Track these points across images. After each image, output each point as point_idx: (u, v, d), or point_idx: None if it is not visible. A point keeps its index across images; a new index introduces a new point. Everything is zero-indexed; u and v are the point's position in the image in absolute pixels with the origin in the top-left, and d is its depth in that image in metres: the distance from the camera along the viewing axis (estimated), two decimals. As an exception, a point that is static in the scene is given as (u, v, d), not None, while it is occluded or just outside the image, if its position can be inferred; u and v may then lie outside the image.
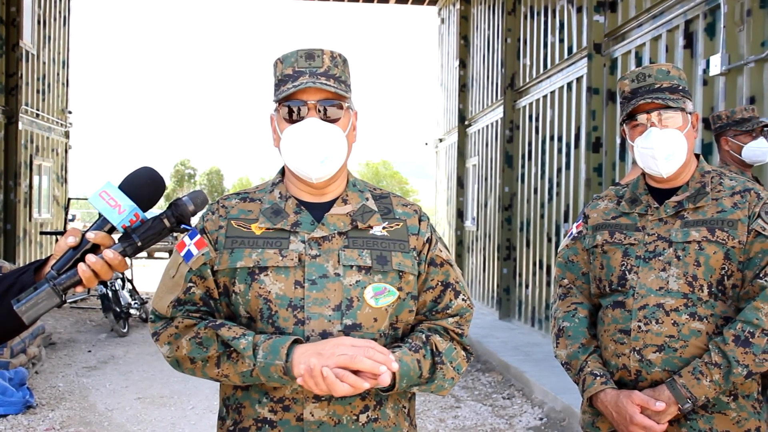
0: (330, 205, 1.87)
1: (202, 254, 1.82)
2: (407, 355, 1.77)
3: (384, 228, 1.86)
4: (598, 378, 2.24)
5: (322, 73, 1.80)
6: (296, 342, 1.70)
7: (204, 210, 1.93)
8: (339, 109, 1.81)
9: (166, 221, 1.56)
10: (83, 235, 1.53)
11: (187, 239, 1.87)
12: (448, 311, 1.90)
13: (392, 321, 1.83)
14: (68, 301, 12.18)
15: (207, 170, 65.57)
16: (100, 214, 1.54)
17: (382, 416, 1.81)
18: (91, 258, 1.50)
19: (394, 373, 1.71)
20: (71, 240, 1.51)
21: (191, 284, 1.82)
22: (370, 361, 1.63)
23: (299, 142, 1.78)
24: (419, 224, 1.91)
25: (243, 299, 1.79)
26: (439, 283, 1.90)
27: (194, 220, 1.67)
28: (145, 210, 1.56)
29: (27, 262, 13.60)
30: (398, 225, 1.88)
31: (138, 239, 1.53)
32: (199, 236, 1.85)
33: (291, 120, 1.80)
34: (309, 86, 1.77)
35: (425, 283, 1.89)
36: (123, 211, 1.52)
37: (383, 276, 1.80)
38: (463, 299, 1.92)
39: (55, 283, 1.49)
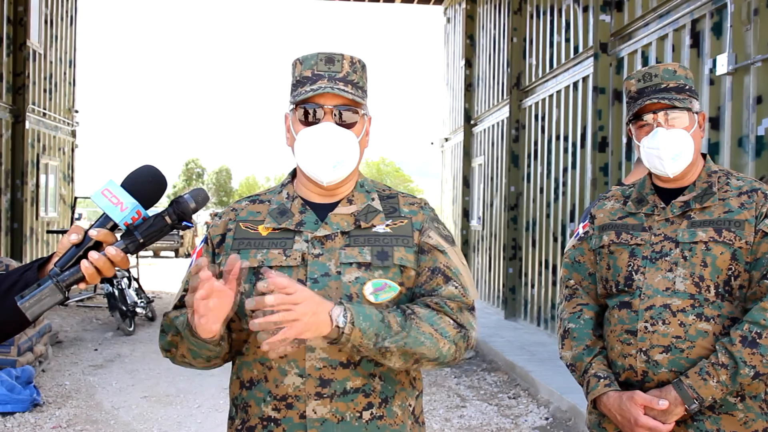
0: (336, 205, 1.88)
1: (195, 264, 1.86)
2: (364, 305, 1.71)
3: (387, 226, 1.86)
4: (602, 380, 2.24)
5: (341, 78, 1.81)
6: None
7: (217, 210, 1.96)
8: (354, 114, 1.82)
9: (167, 218, 1.58)
10: (86, 233, 1.54)
11: (198, 247, 1.94)
12: (434, 294, 1.81)
13: None
14: (75, 299, 12.21)
15: (216, 169, 65.76)
16: (102, 211, 1.56)
17: (388, 414, 1.81)
18: (93, 255, 1.52)
19: (347, 312, 1.65)
20: (74, 237, 1.53)
21: (184, 292, 1.86)
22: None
23: (313, 145, 1.79)
24: (421, 218, 1.90)
25: (248, 298, 1.80)
26: (427, 269, 1.83)
27: (198, 218, 1.69)
28: (147, 208, 1.58)
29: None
30: (403, 222, 1.88)
31: (140, 236, 1.55)
32: (202, 245, 1.91)
33: (306, 122, 1.82)
34: (327, 91, 1.78)
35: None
36: (125, 208, 1.54)
37: (384, 271, 1.80)
38: (455, 287, 1.82)
39: (58, 279, 1.50)
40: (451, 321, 1.78)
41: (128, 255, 1.56)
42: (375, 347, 1.68)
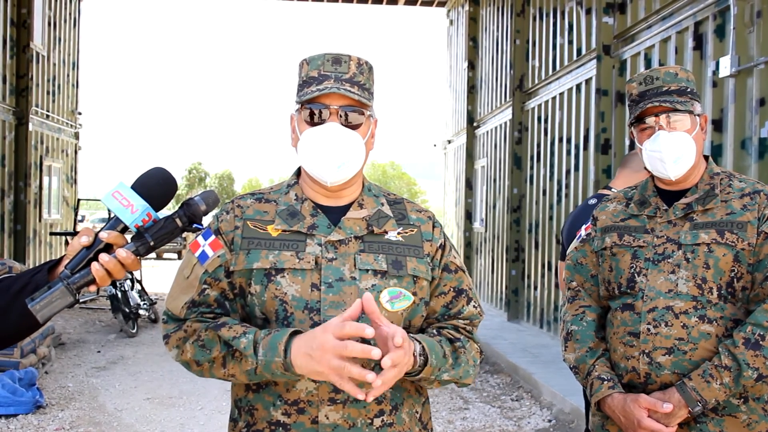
0: (346, 208, 1.87)
1: (218, 256, 1.82)
2: (429, 336, 1.81)
3: (399, 233, 1.87)
4: (605, 382, 2.24)
5: (347, 79, 1.80)
6: (293, 335, 1.67)
7: (218, 210, 1.93)
8: (360, 115, 1.81)
9: (178, 221, 1.58)
10: (96, 235, 1.54)
11: (201, 239, 1.86)
12: (459, 316, 1.92)
13: (405, 325, 1.83)
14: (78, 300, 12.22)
15: (219, 173, 65.82)
16: (109, 212, 1.56)
17: (398, 421, 1.81)
18: (104, 257, 1.51)
19: (425, 351, 1.72)
20: (84, 240, 1.53)
21: (206, 286, 1.81)
22: (357, 372, 1.58)
23: (318, 145, 1.78)
24: (433, 230, 1.92)
25: (259, 300, 1.78)
26: (452, 289, 1.90)
27: (206, 220, 1.68)
28: (157, 210, 1.57)
29: (37, 263, 13.51)
30: (412, 231, 1.89)
31: (150, 239, 1.55)
32: (213, 237, 1.84)
33: (312, 122, 1.81)
34: (333, 91, 1.77)
35: (437, 288, 1.89)
36: (136, 210, 1.54)
37: (398, 280, 1.80)
38: (474, 306, 1.94)
39: (69, 282, 1.50)
40: (477, 347, 1.92)
41: (139, 257, 1.55)
42: (433, 377, 1.79)
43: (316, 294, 1.76)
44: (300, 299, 1.76)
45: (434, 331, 1.87)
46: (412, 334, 1.74)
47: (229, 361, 1.73)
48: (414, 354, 1.68)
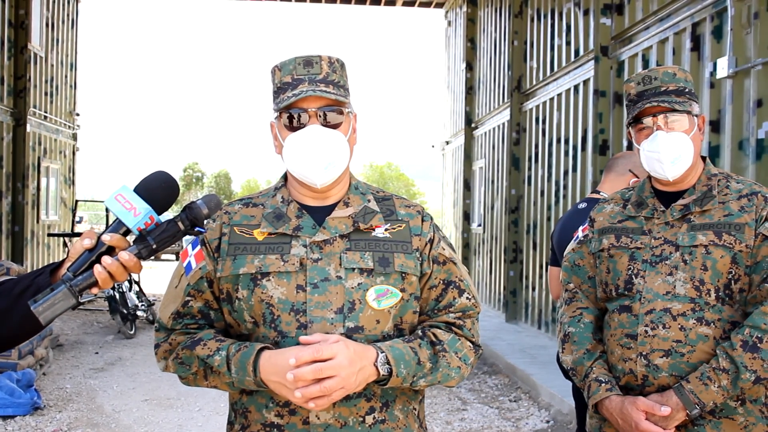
0: (332, 208, 1.88)
1: (199, 268, 1.85)
2: (398, 343, 1.78)
3: (386, 230, 1.87)
4: (603, 384, 2.24)
5: (321, 79, 1.81)
6: (261, 351, 1.74)
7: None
8: (339, 114, 1.82)
9: (180, 224, 1.59)
10: (99, 238, 1.55)
11: (189, 248, 1.90)
12: (450, 309, 1.90)
13: (396, 322, 1.84)
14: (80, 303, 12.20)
15: (215, 173, 65.71)
16: (108, 212, 1.57)
17: (390, 418, 1.82)
18: (106, 260, 1.52)
19: (389, 361, 1.73)
20: (87, 242, 1.54)
21: (189, 298, 1.85)
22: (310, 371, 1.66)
23: (302, 149, 1.79)
24: (422, 224, 1.91)
25: (246, 305, 1.80)
26: (441, 282, 1.89)
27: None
28: (159, 213, 1.58)
29: (35, 264, 13.40)
30: (401, 226, 1.88)
31: (153, 242, 1.56)
32: (199, 248, 1.88)
33: (292, 127, 1.81)
34: (309, 94, 1.78)
35: (428, 281, 1.88)
36: (138, 213, 1.54)
37: (385, 278, 1.81)
38: (467, 298, 1.91)
39: (72, 284, 1.51)
40: (470, 344, 1.90)
41: (141, 260, 1.56)
42: (409, 385, 1.80)
43: (301, 295, 1.77)
44: (286, 301, 1.77)
45: (419, 332, 1.86)
46: (377, 344, 1.76)
47: (209, 375, 1.80)
48: (375, 365, 1.72)
